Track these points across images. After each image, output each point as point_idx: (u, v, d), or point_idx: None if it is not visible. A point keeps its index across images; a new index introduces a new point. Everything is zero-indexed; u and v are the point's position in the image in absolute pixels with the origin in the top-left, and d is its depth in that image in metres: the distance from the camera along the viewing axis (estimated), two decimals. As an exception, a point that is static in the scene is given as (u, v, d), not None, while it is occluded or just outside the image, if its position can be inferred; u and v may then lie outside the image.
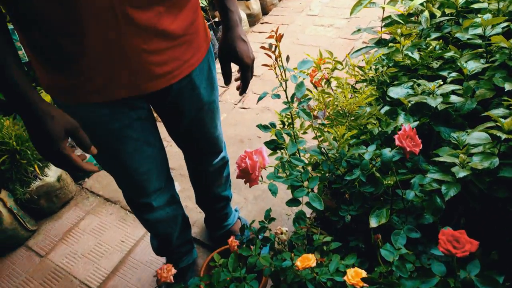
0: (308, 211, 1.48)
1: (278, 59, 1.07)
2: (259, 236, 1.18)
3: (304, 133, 1.38)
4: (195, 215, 1.74)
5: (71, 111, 0.82)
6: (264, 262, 1.01)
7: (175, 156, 1.92)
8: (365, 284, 0.85)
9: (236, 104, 2.39)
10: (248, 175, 0.89)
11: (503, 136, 0.85)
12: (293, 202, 1.10)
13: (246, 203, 1.77)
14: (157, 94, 0.91)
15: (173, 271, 1.00)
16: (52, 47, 0.75)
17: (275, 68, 1.07)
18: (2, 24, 0.71)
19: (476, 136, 0.96)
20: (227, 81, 1.07)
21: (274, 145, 1.22)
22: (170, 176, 1.26)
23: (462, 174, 0.88)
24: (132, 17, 0.73)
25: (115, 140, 0.95)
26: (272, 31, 1.04)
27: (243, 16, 3.24)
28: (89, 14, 0.70)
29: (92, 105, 0.87)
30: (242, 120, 2.24)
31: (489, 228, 1.00)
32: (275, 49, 1.04)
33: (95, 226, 1.80)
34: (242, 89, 1.10)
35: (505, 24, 1.22)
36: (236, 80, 1.11)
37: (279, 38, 1.02)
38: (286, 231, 1.13)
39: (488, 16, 1.24)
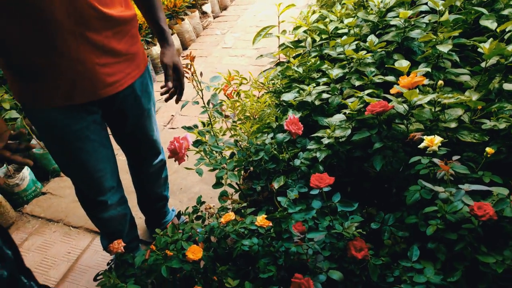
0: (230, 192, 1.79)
1: (194, 75, 1.42)
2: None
3: (223, 134, 1.71)
4: (136, 220, 1.95)
5: (39, 116, 1.07)
6: (196, 227, 1.29)
7: (112, 173, 2.13)
8: (269, 223, 1.18)
9: (165, 126, 2.67)
10: (176, 154, 1.19)
11: (347, 111, 1.27)
12: (218, 184, 1.42)
13: (182, 205, 2.03)
14: (108, 101, 1.19)
15: (123, 244, 1.24)
16: (26, 64, 1.00)
17: (192, 81, 1.41)
18: None
19: (337, 118, 1.38)
20: (167, 80, 1.29)
21: (198, 144, 1.54)
22: (120, 179, 1.50)
23: (327, 141, 1.27)
24: (88, 38, 1.02)
25: (76, 140, 1.19)
26: (187, 55, 1.38)
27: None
28: (58, 37, 0.97)
29: (57, 110, 1.11)
30: (171, 138, 2.52)
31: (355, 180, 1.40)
32: (190, 66, 1.38)
33: (40, 244, 1.92)
34: (178, 95, 1.35)
35: (356, 42, 1.70)
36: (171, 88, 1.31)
37: (191, 58, 1.37)
38: (214, 206, 1.43)
39: (345, 37, 1.72)
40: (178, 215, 1.52)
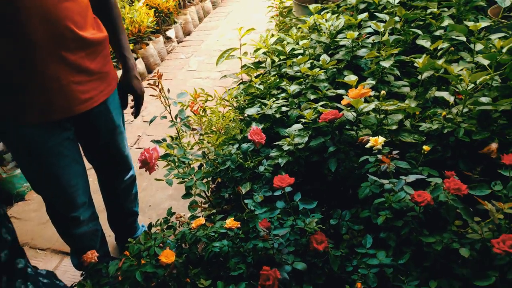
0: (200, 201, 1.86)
1: (162, 91, 1.51)
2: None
3: (191, 148, 1.80)
4: (106, 238, 1.97)
5: (15, 133, 1.12)
6: (168, 234, 1.36)
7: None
8: (238, 224, 1.27)
9: (132, 146, 2.71)
10: (147, 164, 1.26)
11: (304, 120, 1.40)
12: (187, 195, 1.50)
13: (151, 221, 2.06)
14: (82, 117, 1.25)
15: (96, 254, 1.28)
16: (5, 82, 1.06)
17: (160, 97, 1.50)
18: None
19: (295, 127, 1.51)
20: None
21: (167, 157, 1.61)
22: (91, 195, 1.53)
23: (286, 147, 1.40)
24: (64, 58, 1.10)
25: (50, 155, 1.24)
26: (155, 74, 1.48)
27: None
28: (38, 57, 1.04)
29: (33, 126, 1.16)
30: (139, 158, 2.57)
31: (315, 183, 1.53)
32: (158, 84, 1.48)
33: (5, 269, 1.88)
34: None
35: (311, 61, 1.87)
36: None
37: (159, 76, 1.47)
38: (184, 215, 1.50)
39: (300, 57, 1.88)
40: (149, 227, 1.57)
